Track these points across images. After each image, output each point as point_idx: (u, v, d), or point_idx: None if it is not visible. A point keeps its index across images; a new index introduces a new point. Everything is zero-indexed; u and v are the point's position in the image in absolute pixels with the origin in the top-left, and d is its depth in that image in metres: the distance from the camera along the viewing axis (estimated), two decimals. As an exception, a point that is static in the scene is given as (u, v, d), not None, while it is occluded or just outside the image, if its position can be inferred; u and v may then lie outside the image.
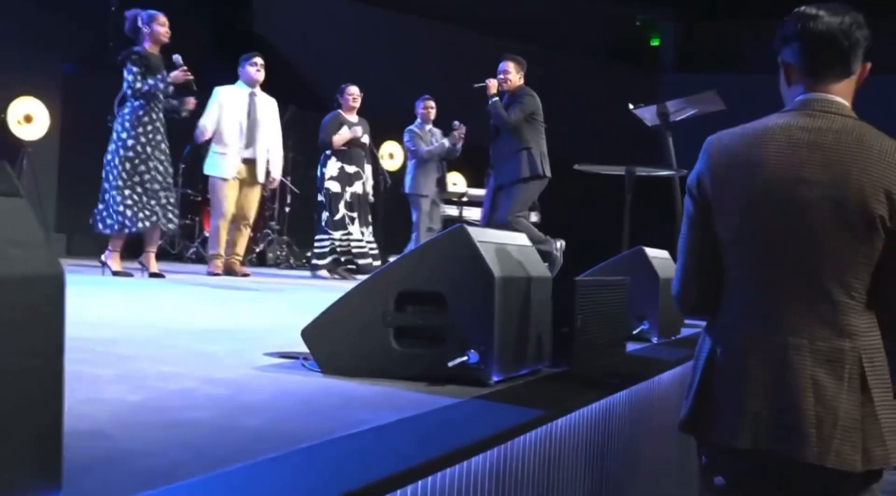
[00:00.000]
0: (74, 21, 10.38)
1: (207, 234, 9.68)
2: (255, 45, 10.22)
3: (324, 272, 8.70)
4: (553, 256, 7.29)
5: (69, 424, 1.94)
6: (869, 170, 2.01)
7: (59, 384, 1.33)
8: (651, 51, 17.66)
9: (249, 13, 13.01)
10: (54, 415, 1.33)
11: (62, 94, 10.54)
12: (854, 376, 2.01)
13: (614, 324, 3.84)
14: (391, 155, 12.89)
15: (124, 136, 6.97)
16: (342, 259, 8.68)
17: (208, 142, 8.14)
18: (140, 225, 6.97)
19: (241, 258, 8.28)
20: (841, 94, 2.13)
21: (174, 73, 7.09)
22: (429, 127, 9.65)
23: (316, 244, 8.85)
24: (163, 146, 7.11)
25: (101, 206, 7.01)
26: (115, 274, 7.04)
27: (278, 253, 11.11)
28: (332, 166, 8.76)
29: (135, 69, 7.00)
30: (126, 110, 7.04)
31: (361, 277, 6.17)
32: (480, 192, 9.62)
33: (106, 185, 6.98)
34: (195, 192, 10.42)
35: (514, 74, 7.61)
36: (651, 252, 4.68)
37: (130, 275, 7.10)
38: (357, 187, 8.80)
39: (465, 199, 11.41)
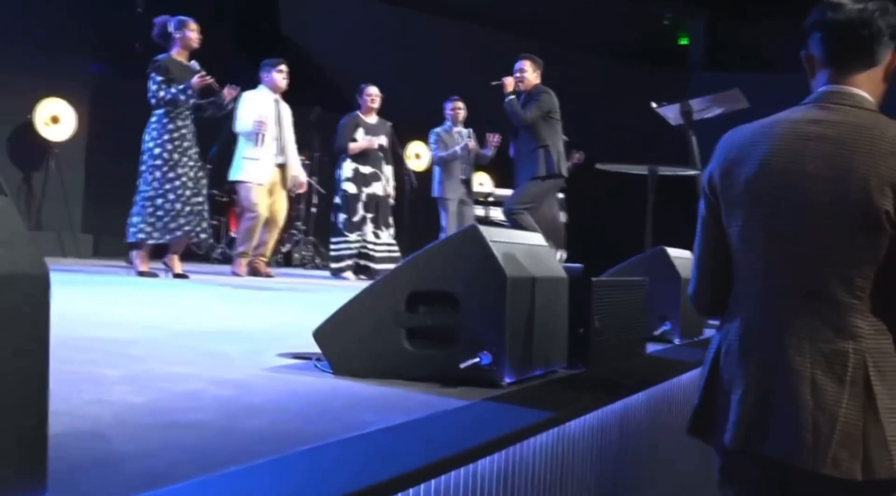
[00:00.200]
0: (101, 23, 10.44)
1: (234, 235, 9.71)
2: (282, 45, 10.22)
3: (348, 274, 8.68)
4: None
5: (70, 425, 1.95)
6: (877, 163, 1.91)
7: (44, 385, 1.31)
8: (679, 50, 17.54)
9: (276, 14, 13.02)
10: (39, 415, 1.31)
11: (89, 95, 10.60)
12: (857, 380, 1.89)
13: (633, 324, 3.79)
14: (417, 155, 12.86)
15: (151, 145, 7.03)
16: (360, 262, 8.69)
17: (232, 146, 8.16)
18: (169, 236, 7.03)
19: (266, 259, 8.29)
20: (864, 85, 2.04)
21: (193, 80, 7.10)
22: (457, 128, 9.56)
23: (332, 246, 8.86)
24: (191, 152, 7.14)
25: (133, 215, 7.05)
26: (141, 274, 7.09)
27: (304, 253, 11.12)
28: (348, 168, 8.80)
29: (158, 78, 7.04)
30: (153, 119, 7.10)
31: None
32: (507, 192, 9.58)
33: (136, 197, 7.05)
34: (221, 193, 10.45)
35: (530, 73, 7.59)
36: (673, 252, 4.63)
37: (156, 275, 7.14)
38: (375, 188, 8.80)
39: (490, 199, 11.38)
